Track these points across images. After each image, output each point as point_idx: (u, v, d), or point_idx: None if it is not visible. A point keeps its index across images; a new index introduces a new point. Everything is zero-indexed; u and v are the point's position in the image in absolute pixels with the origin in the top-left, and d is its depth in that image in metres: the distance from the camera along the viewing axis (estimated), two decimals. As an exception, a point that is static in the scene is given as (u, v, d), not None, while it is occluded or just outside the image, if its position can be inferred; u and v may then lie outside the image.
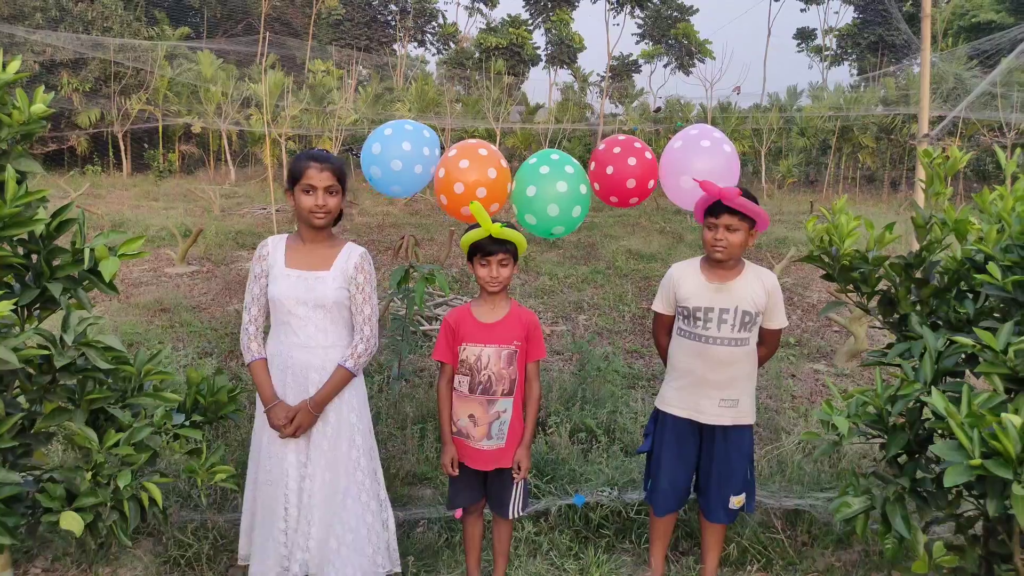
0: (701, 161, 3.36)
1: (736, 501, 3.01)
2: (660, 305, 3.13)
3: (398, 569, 2.86)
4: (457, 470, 2.86)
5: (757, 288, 2.92)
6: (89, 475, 2.58)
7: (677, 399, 3.05)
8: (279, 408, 2.63)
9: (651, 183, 3.56)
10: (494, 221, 2.78)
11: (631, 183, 3.47)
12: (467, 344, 2.81)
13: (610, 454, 4.21)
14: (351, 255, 2.76)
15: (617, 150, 3.54)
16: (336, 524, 2.67)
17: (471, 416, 2.82)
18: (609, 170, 3.54)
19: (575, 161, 3.58)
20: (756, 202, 2.89)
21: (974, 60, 22.94)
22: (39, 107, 2.52)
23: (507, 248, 2.79)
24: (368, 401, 2.90)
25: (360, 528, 2.71)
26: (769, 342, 3.03)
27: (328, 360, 2.70)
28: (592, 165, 3.63)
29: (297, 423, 2.64)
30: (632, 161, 3.48)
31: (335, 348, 2.72)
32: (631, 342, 7.23)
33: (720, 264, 2.94)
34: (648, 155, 3.54)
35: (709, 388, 2.95)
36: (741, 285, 2.92)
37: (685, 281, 3.01)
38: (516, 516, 2.94)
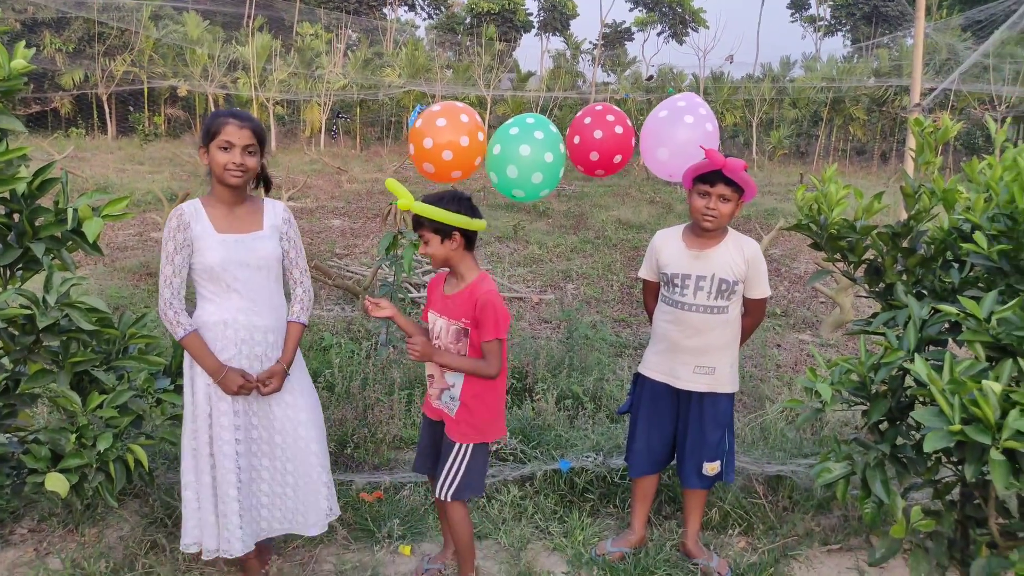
0: (683, 133, 3.35)
1: (710, 468, 3.02)
2: (645, 271, 3.17)
3: (339, 513, 2.90)
4: (373, 310, 2.71)
5: (736, 256, 2.91)
6: (74, 437, 2.58)
7: (655, 363, 3.10)
8: (233, 375, 2.58)
9: (617, 158, 3.50)
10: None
11: (594, 156, 3.44)
12: (431, 310, 2.79)
13: (596, 420, 4.25)
14: (276, 210, 2.76)
15: (588, 120, 3.50)
16: (310, 473, 2.73)
17: (430, 376, 2.82)
18: (576, 140, 3.52)
19: (551, 128, 3.52)
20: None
21: (968, 31, 22.85)
22: (19, 63, 2.47)
23: (425, 224, 2.64)
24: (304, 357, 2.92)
25: (313, 476, 2.77)
26: (753, 312, 3.04)
27: (279, 319, 2.72)
28: (577, 139, 3.60)
29: (274, 386, 2.65)
30: (598, 134, 3.44)
31: (282, 306, 2.75)
32: (619, 311, 7.25)
33: (705, 232, 2.94)
34: (619, 129, 3.49)
35: (684, 354, 2.99)
36: (720, 253, 2.92)
37: (666, 248, 3.04)
38: (443, 497, 2.73)
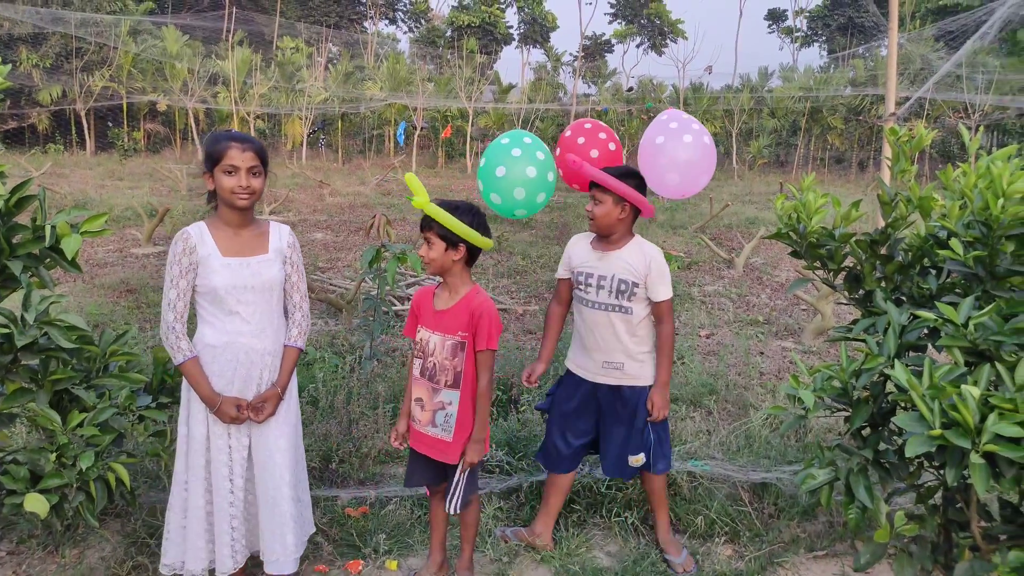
0: (685, 153, 3.43)
1: (634, 460, 3.12)
2: (561, 270, 3.34)
3: (313, 529, 2.94)
4: (402, 444, 2.86)
5: (637, 258, 3.07)
6: (54, 456, 2.54)
7: (572, 356, 3.32)
8: (229, 403, 2.56)
9: None
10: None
11: None
12: (421, 327, 2.79)
13: (582, 431, 4.24)
14: (281, 234, 2.73)
15: (581, 140, 3.54)
16: (279, 501, 2.67)
17: (418, 399, 2.79)
18: (571, 159, 3.57)
19: (546, 147, 3.60)
20: (640, 181, 3.12)
21: (940, 42, 23.24)
22: (-5, 79, 2.45)
23: (433, 227, 2.65)
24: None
25: (296, 498, 2.75)
26: (658, 316, 3.15)
27: (278, 342, 2.69)
28: (557, 151, 3.63)
29: (269, 410, 2.62)
30: (594, 153, 3.50)
31: (282, 329, 2.72)
32: (603, 321, 7.26)
33: (603, 237, 3.13)
34: (612, 146, 3.54)
35: (591, 349, 3.17)
36: (621, 255, 3.09)
37: (576, 249, 3.24)
38: (453, 512, 2.81)
